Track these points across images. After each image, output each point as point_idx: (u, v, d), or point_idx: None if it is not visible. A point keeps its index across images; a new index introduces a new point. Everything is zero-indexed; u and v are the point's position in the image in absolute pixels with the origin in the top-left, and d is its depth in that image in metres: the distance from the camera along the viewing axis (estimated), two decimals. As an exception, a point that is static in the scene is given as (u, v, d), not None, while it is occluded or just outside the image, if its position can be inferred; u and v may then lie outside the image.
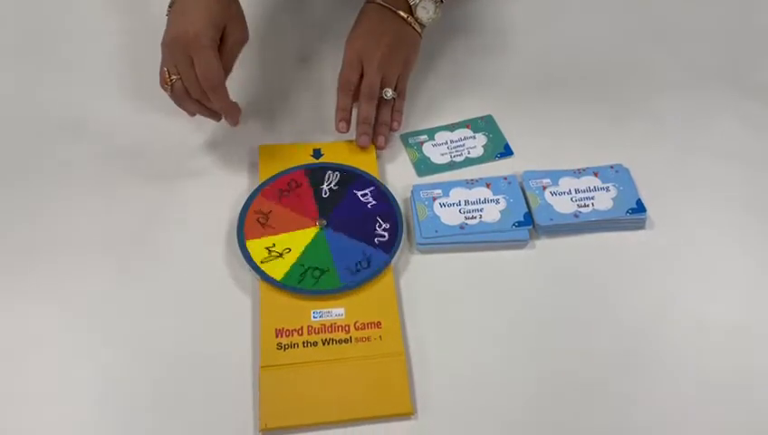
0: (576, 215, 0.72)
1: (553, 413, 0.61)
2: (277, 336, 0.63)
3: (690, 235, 0.72)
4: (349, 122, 0.77)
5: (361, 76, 0.76)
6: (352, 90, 0.76)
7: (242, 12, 0.72)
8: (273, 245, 0.69)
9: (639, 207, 0.72)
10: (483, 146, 0.79)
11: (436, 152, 0.78)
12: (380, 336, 0.63)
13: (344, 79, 0.76)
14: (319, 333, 0.64)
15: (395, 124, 0.79)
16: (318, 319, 0.64)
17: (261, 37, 0.88)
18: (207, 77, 0.67)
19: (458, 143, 0.79)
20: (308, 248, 0.69)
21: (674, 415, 0.61)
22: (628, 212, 0.72)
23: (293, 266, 0.67)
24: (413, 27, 0.78)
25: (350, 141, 0.78)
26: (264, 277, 0.66)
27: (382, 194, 0.73)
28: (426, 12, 0.78)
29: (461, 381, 0.62)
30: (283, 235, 0.69)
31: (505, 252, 0.70)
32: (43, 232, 0.71)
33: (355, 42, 0.76)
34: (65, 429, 0.59)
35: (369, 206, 0.71)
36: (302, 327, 0.64)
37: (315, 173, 0.74)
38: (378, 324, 0.64)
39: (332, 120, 0.77)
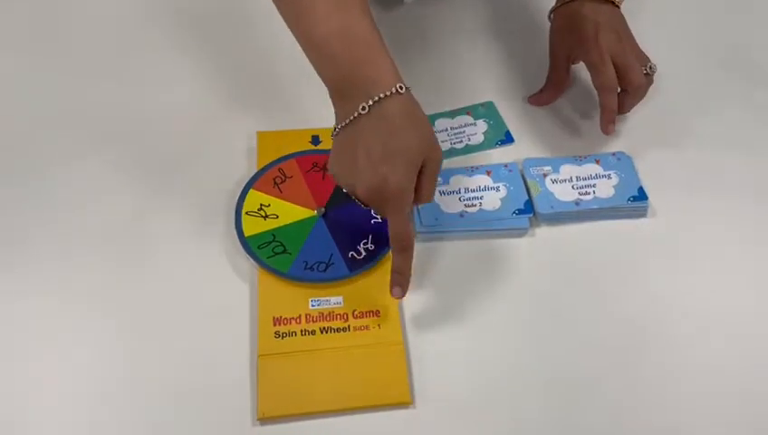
0: (577, 203, 0.71)
1: (553, 403, 0.60)
2: (275, 325, 0.63)
3: (692, 223, 0.71)
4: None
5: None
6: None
7: (432, 130, 0.61)
8: (269, 205, 0.69)
9: (641, 195, 0.72)
10: (483, 133, 0.78)
11: (435, 139, 0.78)
12: (379, 325, 0.63)
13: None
14: (317, 321, 0.63)
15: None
16: (316, 307, 0.64)
17: (260, 24, 0.87)
18: (398, 240, 0.60)
19: (458, 130, 0.79)
20: (300, 228, 0.68)
21: (674, 404, 0.60)
22: (629, 200, 0.71)
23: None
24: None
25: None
26: (264, 265, 0.66)
27: None
28: None
29: (459, 371, 0.62)
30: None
31: (505, 240, 0.70)
32: (38, 222, 0.70)
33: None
34: (61, 420, 0.59)
35: (372, 220, 0.69)
36: (300, 316, 0.63)
37: None
38: (376, 313, 0.64)
39: (331, 106, 0.76)
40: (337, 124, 0.61)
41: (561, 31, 0.77)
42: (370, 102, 0.57)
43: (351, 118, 0.59)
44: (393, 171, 0.57)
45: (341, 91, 0.60)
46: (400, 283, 0.62)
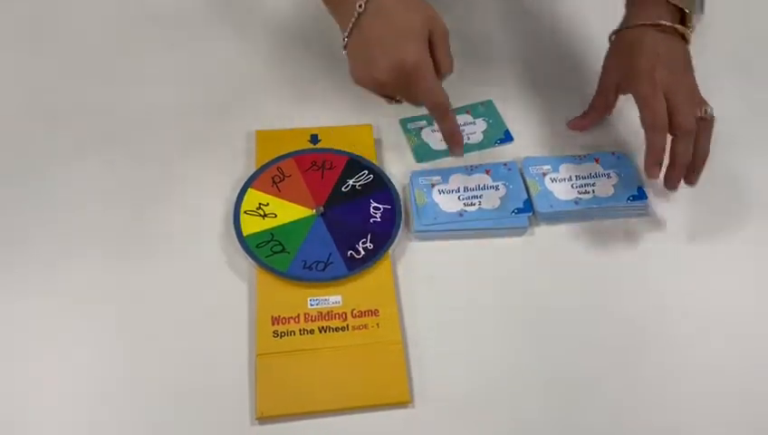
0: (576, 202, 0.71)
1: (553, 403, 0.60)
2: (273, 324, 0.63)
3: (692, 223, 0.71)
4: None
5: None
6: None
7: (431, 6, 0.66)
8: (268, 204, 0.70)
9: (641, 195, 0.71)
10: (483, 132, 0.78)
11: (435, 138, 0.77)
12: (378, 324, 0.63)
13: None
14: (315, 320, 0.63)
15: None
16: (315, 307, 0.64)
17: (260, 23, 0.87)
18: (435, 106, 0.66)
19: (458, 129, 0.78)
20: (299, 228, 0.68)
21: (674, 404, 0.60)
22: (629, 199, 0.71)
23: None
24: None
25: (348, 126, 0.77)
26: (262, 264, 0.66)
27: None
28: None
29: (458, 370, 0.62)
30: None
31: (505, 239, 0.70)
32: (38, 222, 0.70)
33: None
34: (61, 420, 0.59)
35: (371, 219, 0.69)
36: (298, 315, 0.63)
37: (354, 164, 0.73)
38: (375, 312, 0.64)
39: (330, 105, 0.76)
40: (342, 36, 0.66)
41: (617, 56, 0.72)
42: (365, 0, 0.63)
43: (352, 22, 0.64)
44: (405, 50, 0.63)
45: (336, 2, 0.66)
46: (456, 142, 0.69)
